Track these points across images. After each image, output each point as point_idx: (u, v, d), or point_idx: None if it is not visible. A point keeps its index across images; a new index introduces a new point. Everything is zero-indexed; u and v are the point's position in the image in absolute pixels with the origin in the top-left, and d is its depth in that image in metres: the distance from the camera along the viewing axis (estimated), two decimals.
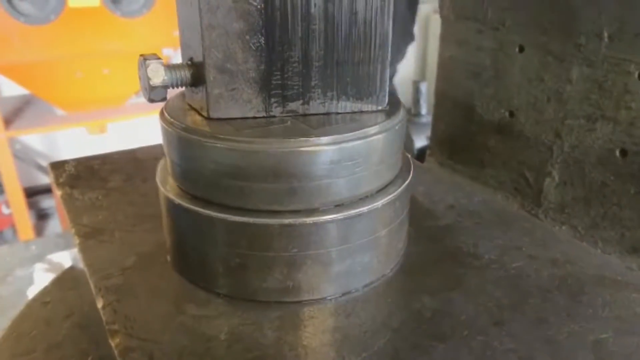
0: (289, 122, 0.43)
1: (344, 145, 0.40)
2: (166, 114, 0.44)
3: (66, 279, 0.69)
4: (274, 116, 0.44)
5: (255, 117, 0.43)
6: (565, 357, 0.38)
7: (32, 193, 2.61)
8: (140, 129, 2.22)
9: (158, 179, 0.47)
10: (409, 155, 0.51)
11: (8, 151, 2.24)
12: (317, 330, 0.40)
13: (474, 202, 0.60)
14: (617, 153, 0.54)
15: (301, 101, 0.44)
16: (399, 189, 0.45)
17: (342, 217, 0.41)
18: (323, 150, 0.40)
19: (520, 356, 0.38)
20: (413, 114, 1.62)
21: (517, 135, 0.65)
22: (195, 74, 0.43)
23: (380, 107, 0.45)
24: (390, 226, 0.45)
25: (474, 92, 0.70)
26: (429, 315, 0.42)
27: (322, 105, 0.44)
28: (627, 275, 0.48)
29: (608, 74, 0.54)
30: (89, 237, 0.52)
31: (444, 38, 0.74)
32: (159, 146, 0.74)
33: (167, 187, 0.45)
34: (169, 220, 0.46)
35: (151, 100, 0.43)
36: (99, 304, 0.42)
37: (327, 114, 0.44)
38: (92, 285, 0.45)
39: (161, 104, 0.46)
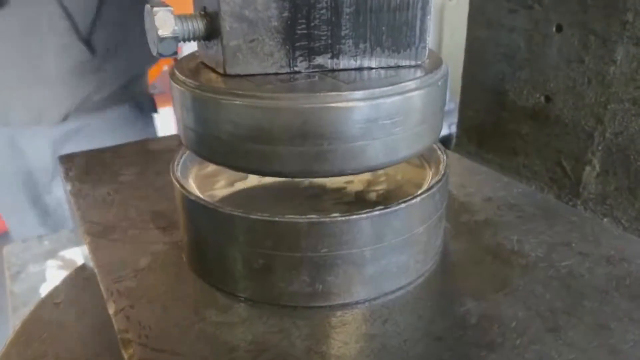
0: (316, 77, 0.38)
1: (381, 100, 0.35)
2: (177, 73, 0.39)
3: (78, 278, 0.65)
4: (299, 72, 0.38)
5: (277, 73, 0.38)
6: None
7: None
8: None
9: (173, 174, 0.43)
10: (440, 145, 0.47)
11: None
12: (350, 338, 0.36)
13: (513, 193, 0.55)
14: None
15: (330, 54, 0.38)
16: (439, 181, 0.41)
17: (377, 213, 0.37)
18: (358, 106, 0.34)
19: None
20: None
21: (553, 121, 0.61)
22: (209, 26, 0.38)
23: (419, 62, 0.40)
24: (428, 222, 0.41)
25: (505, 76, 0.66)
26: (474, 321, 0.38)
27: (353, 59, 0.39)
28: None
29: None
30: (99, 235, 0.48)
31: (473, 19, 0.70)
32: (173, 137, 0.71)
33: (183, 181, 0.42)
34: (186, 217, 0.42)
35: (160, 55, 0.37)
36: (111, 310, 0.39)
37: (359, 69, 0.39)
38: (103, 289, 0.41)
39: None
